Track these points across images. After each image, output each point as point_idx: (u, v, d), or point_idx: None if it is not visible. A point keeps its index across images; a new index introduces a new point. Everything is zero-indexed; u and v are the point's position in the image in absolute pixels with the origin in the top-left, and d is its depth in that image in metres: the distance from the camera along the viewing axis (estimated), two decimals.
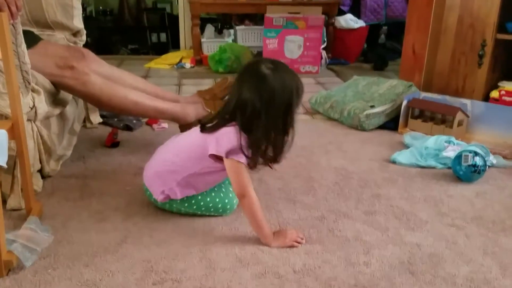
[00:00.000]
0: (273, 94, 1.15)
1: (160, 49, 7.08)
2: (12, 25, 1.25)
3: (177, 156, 1.32)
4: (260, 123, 1.17)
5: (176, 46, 5.14)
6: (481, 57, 1.99)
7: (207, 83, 3.24)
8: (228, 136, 1.20)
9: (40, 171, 1.54)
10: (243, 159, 1.19)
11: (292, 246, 1.23)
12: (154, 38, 7.39)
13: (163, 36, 7.44)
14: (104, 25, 7.22)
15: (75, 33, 1.95)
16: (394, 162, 1.80)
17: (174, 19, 6.03)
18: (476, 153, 1.61)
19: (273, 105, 1.16)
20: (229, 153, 1.19)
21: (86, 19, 2.04)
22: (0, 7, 1.21)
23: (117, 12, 7.71)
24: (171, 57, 3.88)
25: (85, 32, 1.98)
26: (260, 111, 1.16)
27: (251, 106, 1.16)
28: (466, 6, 1.99)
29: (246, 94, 1.17)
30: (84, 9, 1.73)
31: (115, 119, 2.17)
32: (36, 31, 1.82)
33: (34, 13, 1.86)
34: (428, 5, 2.23)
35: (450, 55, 2.09)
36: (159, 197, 1.34)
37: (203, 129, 1.27)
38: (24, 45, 1.33)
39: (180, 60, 3.78)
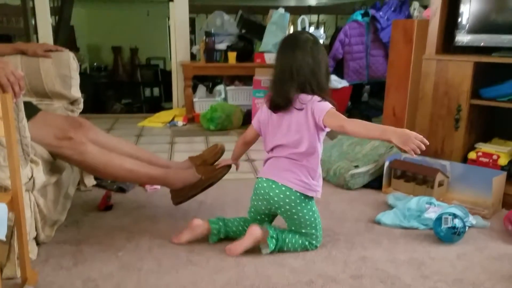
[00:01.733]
0: (320, 55, 1.54)
1: (153, 103, 7.27)
2: (15, 103, 1.33)
3: (295, 147, 1.55)
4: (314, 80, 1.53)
5: (169, 99, 5.29)
6: (457, 121, 2.11)
7: (199, 141, 3.34)
8: (320, 100, 1.52)
9: (35, 237, 1.58)
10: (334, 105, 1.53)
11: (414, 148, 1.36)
12: (147, 92, 7.61)
13: (156, 91, 7.66)
14: (98, 81, 7.43)
15: (73, 102, 2.05)
16: (379, 222, 1.87)
17: (167, 74, 6.24)
18: (455, 215, 1.68)
19: (322, 64, 1.55)
20: (327, 107, 1.50)
21: (81, 75, 2.15)
22: (4, 88, 1.30)
23: (111, 68, 7.96)
24: (164, 116, 4.00)
25: (82, 100, 2.08)
26: (315, 70, 1.53)
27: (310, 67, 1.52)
28: (441, 75, 2.13)
29: (301, 59, 1.52)
30: (79, 66, 1.85)
31: (109, 181, 2.23)
32: (35, 101, 1.91)
33: (33, 83, 1.96)
34: (406, 72, 2.38)
35: (428, 118, 2.21)
36: (296, 186, 1.55)
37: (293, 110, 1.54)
38: (25, 120, 1.41)
39: (173, 119, 3.90)
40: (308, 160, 1.55)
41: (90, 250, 1.61)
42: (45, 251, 1.59)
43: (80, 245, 1.65)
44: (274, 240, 1.56)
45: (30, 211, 1.47)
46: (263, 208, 1.62)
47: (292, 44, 1.55)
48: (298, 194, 1.55)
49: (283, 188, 1.55)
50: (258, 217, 1.67)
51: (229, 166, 1.81)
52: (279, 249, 1.58)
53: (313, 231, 1.61)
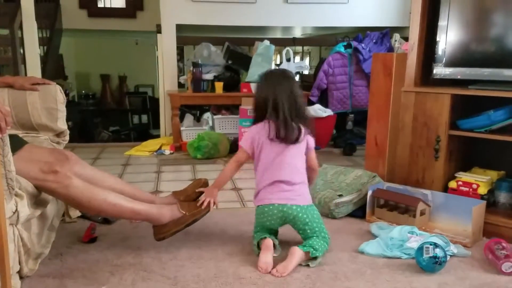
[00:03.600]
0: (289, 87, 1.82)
1: (142, 130, 7.28)
2: (1, 138, 1.35)
3: (297, 173, 1.83)
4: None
5: (157, 126, 5.32)
6: (437, 151, 2.17)
7: (186, 170, 3.36)
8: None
9: (18, 271, 1.57)
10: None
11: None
12: (135, 119, 7.63)
13: (144, 118, 7.68)
14: (86, 108, 7.43)
15: (59, 134, 2.07)
16: (362, 252, 1.89)
17: (156, 101, 6.28)
18: (436, 245, 1.71)
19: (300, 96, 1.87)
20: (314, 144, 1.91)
21: (68, 103, 2.17)
22: None
23: (99, 95, 7.98)
24: (151, 144, 4.02)
25: (68, 132, 2.10)
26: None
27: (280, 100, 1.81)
28: (419, 106, 2.20)
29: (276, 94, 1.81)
30: (66, 94, 1.86)
31: None
32: (20, 133, 1.93)
33: (20, 116, 1.98)
34: (386, 103, 2.45)
35: (409, 149, 2.26)
36: (304, 201, 1.82)
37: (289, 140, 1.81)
38: (10, 155, 1.42)
39: (160, 147, 3.92)
40: (303, 174, 1.85)
41: (73, 284, 1.61)
42: (28, 285, 1.58)
43: (64, 278, 1.64)
44: (313, 249, 1.75)
45: (14, 245, 1.47)
46: (280, 223, 1.83)
47: (279, 78, 1.85)
48: (306, 206, 1.81)
49: (294, 207, 1.79)
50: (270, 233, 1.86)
51: (213, 204, 1.86)
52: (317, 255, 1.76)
53: (322, 226, 1.85)
